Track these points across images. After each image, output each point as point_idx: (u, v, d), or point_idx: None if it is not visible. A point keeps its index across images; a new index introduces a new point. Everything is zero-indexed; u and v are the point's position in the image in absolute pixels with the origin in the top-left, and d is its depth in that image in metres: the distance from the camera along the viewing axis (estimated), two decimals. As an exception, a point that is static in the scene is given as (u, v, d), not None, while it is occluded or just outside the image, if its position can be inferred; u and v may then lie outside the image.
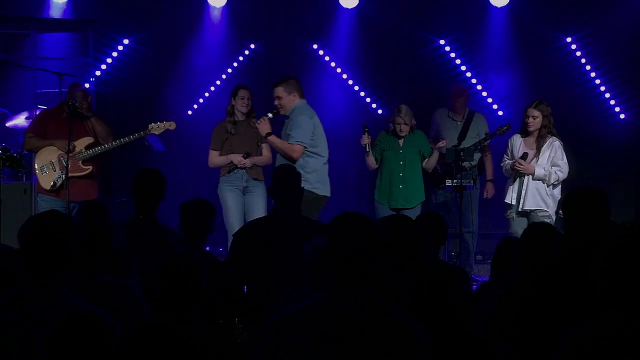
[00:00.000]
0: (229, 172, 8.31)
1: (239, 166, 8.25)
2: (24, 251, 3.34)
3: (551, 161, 8.06)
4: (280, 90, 7.93)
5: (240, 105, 8.39)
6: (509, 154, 8.27)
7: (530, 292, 3.86)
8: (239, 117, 8.41)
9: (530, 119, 8.07)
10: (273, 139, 7.97)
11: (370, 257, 3.12)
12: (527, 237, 4.25)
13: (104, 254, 4.30)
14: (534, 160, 8.07)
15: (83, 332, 2.94)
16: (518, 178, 8.12)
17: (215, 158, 8.43)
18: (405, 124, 8.44)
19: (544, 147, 8.07)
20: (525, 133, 8.17)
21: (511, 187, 8.16)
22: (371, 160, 8.61)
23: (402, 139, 8.54)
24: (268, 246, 5.37)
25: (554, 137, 8.11)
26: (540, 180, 8.05)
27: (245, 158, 8.26)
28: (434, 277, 3.67)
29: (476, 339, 3.61)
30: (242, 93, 8.43)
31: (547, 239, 4.18)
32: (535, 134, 8.11)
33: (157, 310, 3.82)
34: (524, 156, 8.06)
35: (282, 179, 5.63)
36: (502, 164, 8.38)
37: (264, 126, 7.96)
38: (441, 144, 8.64)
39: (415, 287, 3.64)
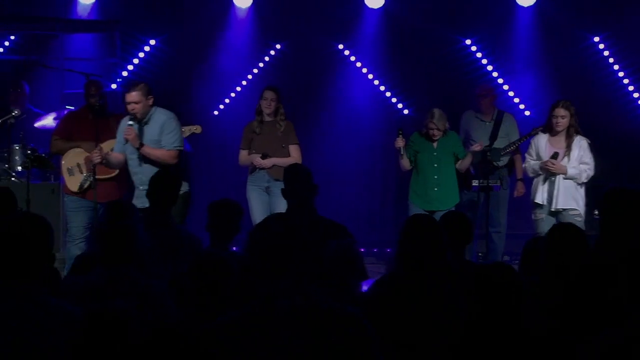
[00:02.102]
0: (251, 172, 8.36)
1: (257, 167, 8.29)
2: None
3: (579, 159, 8.02)
4: (137, 95, 7.50)
5: (264, 106, 8.39)
6: (533, 154, 8.19)
7: (558, 298, 3.83)
8: (266, 117, 8.43)
9: (559, 119, 8.01)
10: (148, 149, 7.50)
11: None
12: (553, 238, 4.21)
13: (128, 253, 4.33)
14: (565, 159, 8.02)
15: (109, 328, 2.95)
16: (548, 178, 8.05)
17: (243, 157, 8.48)
18: (438, 129, 8.39)
19: (572, 145, 8.03)
20: (551, 132, 8.12)
21: (541, 187, 8.06)
22: (405, 162, 8.56)
23: (436, 141, 8.51)
24: (281, 245, 5.34)
25: (581, 136, 8.07)
26: (571, 179, 8.00)
27: (262, 159, 8.28)
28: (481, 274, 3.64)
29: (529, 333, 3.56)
30: (266, 94, 8.42)
31: (573, 240, 4.15)
32: (563, 133, 8.07)
33: (186, 307, 3.83)
34: (555, 156, 7.99)
35: (294, 178, 5.61)
36: (524, 165, 8.31)
37: (135, 139, 7.50)
38: (477, 147, 8.61)
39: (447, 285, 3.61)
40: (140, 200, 7.26)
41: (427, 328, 4.12)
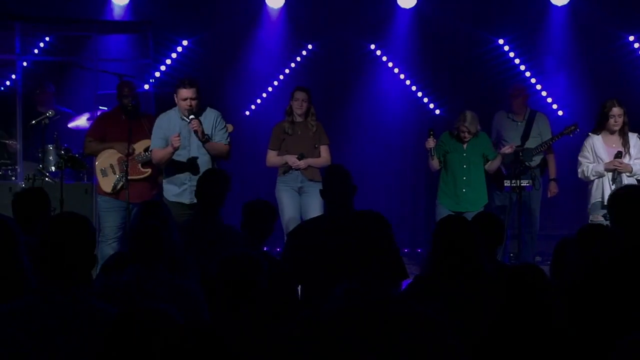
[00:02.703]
0: (284, 172, 8.36)
1: (293, 167, 8.30)
2: (40, 253, 3.31)
3: (636, 155, 8.04)
4: (195, 92, 7.70)
5: (295, 107, 8.41)
6: (590, 157, 8.14)
7: (587, 298, 3.81)
8: (297, 118, 8.44)
9: (617, 118, 8.06)
10: (211, 143, 7.76)
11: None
12: (582, 238, 4.19)
13: (159, 252, 4.35)
14: (626, 157, 8.03)
15: (142, 329, 2.96)
16: (615, 178, 8.01)
17: (272, 158, 8.49)
18: (469, 132, 8.39)
19: (630, 143, 8.04)
20: (607, 131, 8.10)
21: (609, 188, 7.99)
22: (435, 163, 8.54)
23: (466, 142, 8.48)
24: (322, 247, 5.35)
25: (631, 132, 8.10)
26: (632, 176, 8.02)
27: (299, 159, 8.29)
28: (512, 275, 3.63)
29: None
30: (297, 95, 8.44)
31: (603, 240, 4.12)
32: (616, 131, 8.07)
33: (217, 308, 3.83)
34: (619, 154, 7.98)
35: (334, 179, 5.60)
36: (582, 169, 8.21)
37: (203, 132, 7.69)
38: (508, 149, 8.57)
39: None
40: (189, 197, 7.36)
41: (461, 329, 4.10)
